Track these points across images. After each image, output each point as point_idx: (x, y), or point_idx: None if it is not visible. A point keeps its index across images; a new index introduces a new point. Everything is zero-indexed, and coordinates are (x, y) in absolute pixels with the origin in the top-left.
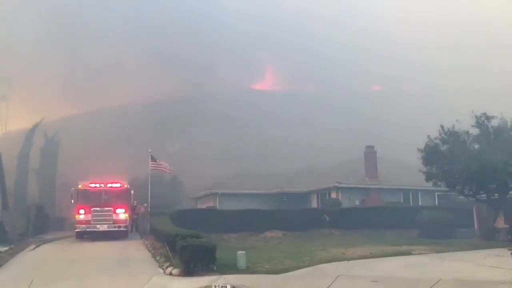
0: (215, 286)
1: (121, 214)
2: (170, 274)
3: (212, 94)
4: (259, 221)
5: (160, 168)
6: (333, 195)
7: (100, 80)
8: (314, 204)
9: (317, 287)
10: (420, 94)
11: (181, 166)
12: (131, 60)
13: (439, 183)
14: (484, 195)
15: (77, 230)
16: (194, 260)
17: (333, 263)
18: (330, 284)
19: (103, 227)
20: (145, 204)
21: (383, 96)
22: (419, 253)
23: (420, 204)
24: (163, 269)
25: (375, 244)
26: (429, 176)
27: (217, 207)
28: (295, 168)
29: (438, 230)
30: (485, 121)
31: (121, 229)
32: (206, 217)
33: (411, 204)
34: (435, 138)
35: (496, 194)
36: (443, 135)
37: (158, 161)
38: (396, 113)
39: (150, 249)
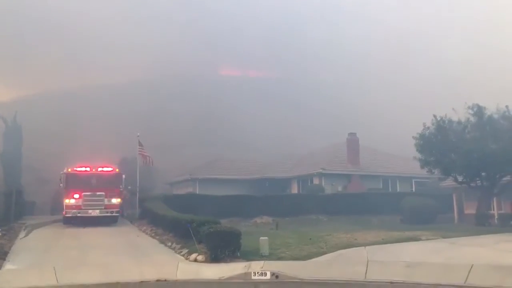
0: (254, 273)
1: (113, 199)
2: (195, 260)
3: (181, 76)
4: (247, 206)
5: (144, 154)
6: (316, 181)
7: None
8: (294, 190)
9: (355, 272)
10: (407, 86)
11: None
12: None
13: (433, 170)
14: (479, 182)
15: (67, 215)
16: (221, 247)
17: (352, 249)
18: (366, 271)
19: (94, 212)
20: (129, 187)
21: (365, 84)
22: (428, 239)
23: (398, 190)
24: (183, 255)
25: (372, 230)
26: (424, 163)
27: (197, 192)
28: (270, 154)
29: (421, 216)
30: (479, 111)
31: (113, 214)
32: (197, 202)
33: (390, 190)
34: (430, 126)
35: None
36: (441, 123)
37: (143, 148)
38: (377, 103)
39: (153, 235)
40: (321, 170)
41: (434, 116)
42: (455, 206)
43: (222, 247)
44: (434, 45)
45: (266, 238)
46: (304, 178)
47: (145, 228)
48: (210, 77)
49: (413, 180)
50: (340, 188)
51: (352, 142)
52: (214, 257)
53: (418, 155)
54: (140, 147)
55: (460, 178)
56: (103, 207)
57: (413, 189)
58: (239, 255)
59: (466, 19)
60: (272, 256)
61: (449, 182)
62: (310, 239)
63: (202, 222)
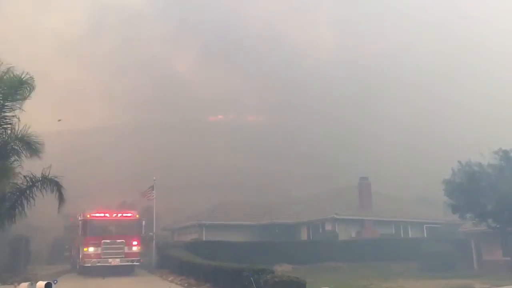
0: None
1: (134, 247)
2: None
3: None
4: (266, 253)
5: (151, 198)
6: (328, 227)
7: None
8: (304, 235)
9: None
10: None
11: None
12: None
13: (467, 216)
14: None
15: (86, 265)
16: None
17: None
18: None
19: (115, 262)
20: (151, 233)
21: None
22: None
23: (410, 236)
24: None
25: (403, 277)
26: (455, 209)
27: (203, 239)
28: (273, 198)
29: (441, 262)
30: (505, 155)
31: (134, 263)
32: (217, 248)
33: (402, 236)
34: (458, 170)
35: None
36: (472, 168)
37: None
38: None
39: (186, 285)
40: (334, 216)
41: (459, 162)
42: (473, 252)
43: None
44: None
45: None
46: (315, 224)
47: (171, 278)
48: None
49: (424, 226)
50: (353, 234)
51: (364, 186)
52: None
53: (447, 200)
54: (152, 191)
55: (493, 224)
56: (123, 256)
57: (425, 234)
58: None
59: None
60: None
61: (467, 227)
62: None
63: (256, 271)
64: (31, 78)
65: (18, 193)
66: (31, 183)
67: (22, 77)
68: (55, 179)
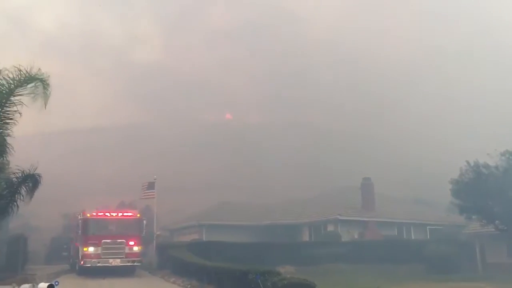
0: None
1: (135, 247)
2: None
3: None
4: (269, 254)
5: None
6: (330, 228)
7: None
8: (305, 236)
9: None
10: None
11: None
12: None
13: (473, 217)
14: None
15: (85, 265)
16: None
17: None
18: None
19: (115, 262)
20: (158, 233)
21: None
22: None
23: (413, 237)
24: None
25: (418, 281)
26: (462, 209)
27: (203, 239)
28: (274, 199)
29: (446, 265)
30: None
31: (135, 264)
32: (218, 249)
33: (405, 237)
34: (465, 170)
35: None
36: (480, 169)
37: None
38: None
39: (189, 287)
40: (337, 216)
41: (467, 162)
42: (478, 254)
43: None
44: None
45: None
46: (316, 224)
47: (173, 279)
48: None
49: (428, 227)
50: (356, 235)
51: (367, 187)
52: None
53: (453, 200)
54: (153, 190)
55: (501, 226)
56: (123, 256)
57: (428, 236)
58: None
59: None
60: None
61: (472, 229)
62: None
63: (262, 273)
64: (43, 73)
65: (12, 190)
66: (21, 179)
67: (33, 73)
68: (36, 174)
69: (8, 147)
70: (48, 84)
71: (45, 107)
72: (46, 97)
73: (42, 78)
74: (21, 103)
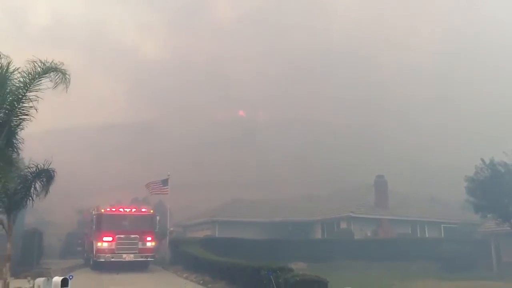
0: None
1: (148, 242)
2: None
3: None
4: (281, 251)
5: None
6: (343, 225)
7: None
8: (318, 233)
9: None
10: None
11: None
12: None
13: (488, 215)
14: None
15: (99, 260)
16: None
17: None
18: None
19: (129, 257)
20: (172, 229)
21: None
22: None
23: (427, 235)
24: None
25: (431, 279)
26: (477, 208)
27: (216, 235)
28: (287, 196)
29: (461, 263)
30: None
31: (148, 259)
32: (230, 245)
33: (419, 235)
34: (481, 168)
35: None
36: (500, 167)
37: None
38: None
39: (202, 283)
40: (350, 214)
41: (482, 159)
42: (493, 253)
43: None
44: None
45: None
46: (329, 222)
47: (186, 275)
48: (225, 119)
49: (442, 226)
50: (369, 233)
51: (381, 184)
52: None
53: (469, 198)
54: (166, 187)
55: None
56: (137, 251)
57: (442, 234)
58: None
59: None
60: None
61: (487, 228)
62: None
63: (274, 269)
64: (59, 63)
65: (27, 184)
66: (35, 174)
67: (48, 64)
68: (51, 169)
69: (20, 142)
70: (66, 71)
71: (66, 91)
72: (66, 82)
73: (58, 68)
74: (37, 98)
